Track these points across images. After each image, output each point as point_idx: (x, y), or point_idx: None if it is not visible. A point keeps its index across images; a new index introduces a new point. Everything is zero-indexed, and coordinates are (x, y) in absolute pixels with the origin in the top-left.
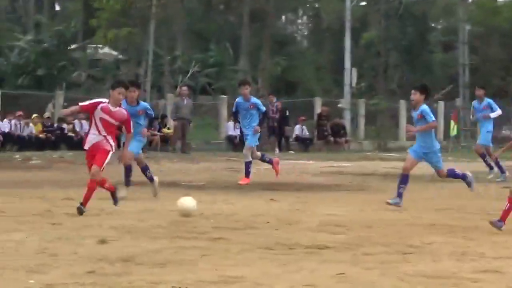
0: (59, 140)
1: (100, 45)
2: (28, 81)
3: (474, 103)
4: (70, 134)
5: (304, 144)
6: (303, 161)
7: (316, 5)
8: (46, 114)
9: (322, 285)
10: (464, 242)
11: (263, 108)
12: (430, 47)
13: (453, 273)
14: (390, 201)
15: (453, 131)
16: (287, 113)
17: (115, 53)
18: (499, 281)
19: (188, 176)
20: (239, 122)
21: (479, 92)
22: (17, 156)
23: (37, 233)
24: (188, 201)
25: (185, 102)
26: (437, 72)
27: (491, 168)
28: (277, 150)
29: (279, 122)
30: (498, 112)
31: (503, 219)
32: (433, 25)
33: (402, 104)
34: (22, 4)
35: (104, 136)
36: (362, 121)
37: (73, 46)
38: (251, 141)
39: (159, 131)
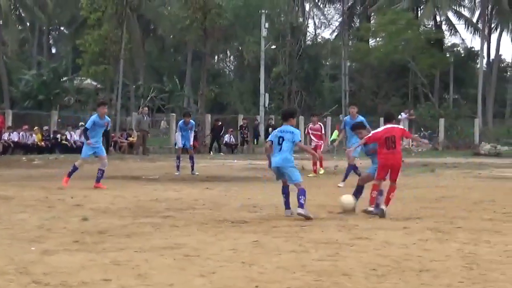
0: (54, 146)
1: (84, 78)
2: (31, 104)
3: (347, 118)
4: (63, 142)
5: (231, 148)
6: (230, 160)
7: (240, 48)
8: (45, 127)
9: (242, 249)
10: (345, 217)
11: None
12: (321, 78)
13: (336, 239)
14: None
15: (334, 137)
16: (223, 128)
17: (94, 83)
18: (368, 245)
19: (147, 171)
20: (87, 137)
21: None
22: (24, 158)
23: (37, 213)
24: (347, 199)
25: (145, 118)
26: (326, 96)
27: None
28: (211, 152)
29: (216, 134)
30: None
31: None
32: (323, 62)
33: (301, 119)
34: (27, 47)
35: None
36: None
37: (64, 78)
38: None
39: (126, 139)
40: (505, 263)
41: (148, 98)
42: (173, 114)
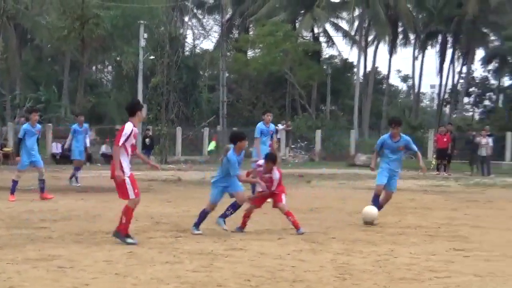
0: None
1: None
2: None
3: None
4: None
5: (108, 159)
6: (106, 171)
7: (118, 58)
8: None
9: (116, 260)
10: (219, 228)
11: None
12: (199, 89)
13: (211, 250)
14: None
15: (211, 148)
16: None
17: None
18: (243, 256)
19: (23, 182)
20: (18, 151)
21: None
22: None
23: None
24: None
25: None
26: (204, 107)
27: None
28: (87, 163)
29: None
30: None
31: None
32: (201, 72)
33: (179, 130)
34: None
35: None
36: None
37: None
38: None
39: (1, 149)
40: (377, 272)
41: (25, 108)
42: (50, 124)
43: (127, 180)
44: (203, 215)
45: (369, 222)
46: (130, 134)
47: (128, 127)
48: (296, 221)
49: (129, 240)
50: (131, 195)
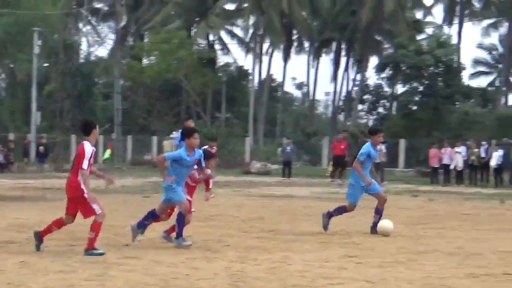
0: None
1: None
2: None
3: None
4: None
5: (1, 167)
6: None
7: (11, 65)
8: None
9: (9, 270)
10: (117, 238)
11: None
12: (95, 96)
13: (104, 259)
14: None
15: (106, 156)
16: None
17: None
18: (137, 264)
19: None
20: None
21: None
22: None
23: None
24: (387, 223)
25: None
26: (99, 115)
27: None
28: None
29: None
30: None
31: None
32: (96, 80)
33: (73, 137)
34: None
35: None
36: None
37: None
38: None
39: None
40: (270, 280)
41: None
42: None
43: (87, 196)
44: (182, 222)
45: (386, 234)
46: (91, 156)
47: (88, 148)
48: (172, 231)
49: (97, 252)
50: (97, 210)
